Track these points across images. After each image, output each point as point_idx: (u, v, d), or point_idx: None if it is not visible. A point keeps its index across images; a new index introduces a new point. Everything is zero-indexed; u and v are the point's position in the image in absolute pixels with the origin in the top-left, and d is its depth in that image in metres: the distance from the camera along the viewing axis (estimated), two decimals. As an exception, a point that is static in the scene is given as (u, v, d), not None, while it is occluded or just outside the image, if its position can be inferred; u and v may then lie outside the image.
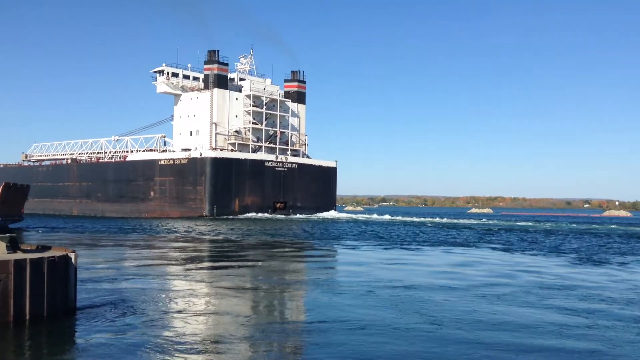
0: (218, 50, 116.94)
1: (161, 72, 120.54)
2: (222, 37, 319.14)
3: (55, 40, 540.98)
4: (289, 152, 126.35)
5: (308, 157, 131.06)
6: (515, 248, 51.05)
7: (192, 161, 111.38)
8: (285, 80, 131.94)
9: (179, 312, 19.84)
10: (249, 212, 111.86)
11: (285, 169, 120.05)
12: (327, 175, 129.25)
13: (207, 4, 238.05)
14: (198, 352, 14.94)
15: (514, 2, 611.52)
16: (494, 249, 50.09)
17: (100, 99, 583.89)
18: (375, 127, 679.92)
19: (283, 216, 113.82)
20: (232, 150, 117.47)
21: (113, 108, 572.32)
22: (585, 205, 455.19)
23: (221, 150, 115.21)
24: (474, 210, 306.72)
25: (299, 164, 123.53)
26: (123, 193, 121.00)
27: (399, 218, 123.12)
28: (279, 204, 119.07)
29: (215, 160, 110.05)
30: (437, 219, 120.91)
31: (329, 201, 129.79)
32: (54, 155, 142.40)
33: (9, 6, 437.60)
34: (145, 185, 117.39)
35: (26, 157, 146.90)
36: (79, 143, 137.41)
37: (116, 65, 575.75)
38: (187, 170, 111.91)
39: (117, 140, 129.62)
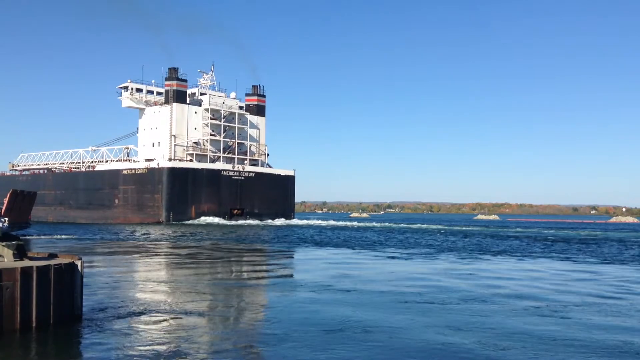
0: (177, 68, 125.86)
1: (126, 87, 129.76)
2: (187, 53, 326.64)
3: (49, 49, 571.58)
4: (247, 162, 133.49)
5: (269, 166, 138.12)
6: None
7: (151, 171, 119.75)
8: (247, 95, 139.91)
9: (185, 313, 20.57)
10: (205, 218, 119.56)
11: (242, 178, 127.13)
12: (285, 184, 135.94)
13: (173, 22, 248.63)
14: (206, 357, 15.21)
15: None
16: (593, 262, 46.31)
17: (82, 110, 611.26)
18: (381, 132, 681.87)
19: (240, 222, 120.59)
20: (190, 160, 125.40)
21: (96, 120, 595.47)
22: (592, 212, 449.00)
23: (179, 160, 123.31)
24: (480, 216, 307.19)
25: (257, 173, 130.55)
26: (92, 200, 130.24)
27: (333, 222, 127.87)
28: (236, 211, 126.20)
29: (172, 170, 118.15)
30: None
31: (287, 208, 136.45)
32: (37, 164, 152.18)
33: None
34: (110, 193, 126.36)
35: (13, 166, 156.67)
36: (60, 153, 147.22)
37: (97, 79, 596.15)
38: (146, 180, 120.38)
39: (95, 150, 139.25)
